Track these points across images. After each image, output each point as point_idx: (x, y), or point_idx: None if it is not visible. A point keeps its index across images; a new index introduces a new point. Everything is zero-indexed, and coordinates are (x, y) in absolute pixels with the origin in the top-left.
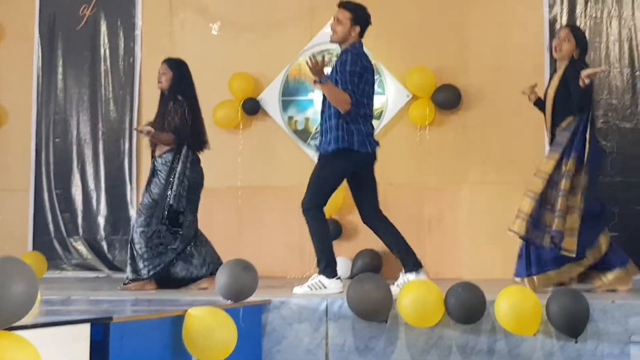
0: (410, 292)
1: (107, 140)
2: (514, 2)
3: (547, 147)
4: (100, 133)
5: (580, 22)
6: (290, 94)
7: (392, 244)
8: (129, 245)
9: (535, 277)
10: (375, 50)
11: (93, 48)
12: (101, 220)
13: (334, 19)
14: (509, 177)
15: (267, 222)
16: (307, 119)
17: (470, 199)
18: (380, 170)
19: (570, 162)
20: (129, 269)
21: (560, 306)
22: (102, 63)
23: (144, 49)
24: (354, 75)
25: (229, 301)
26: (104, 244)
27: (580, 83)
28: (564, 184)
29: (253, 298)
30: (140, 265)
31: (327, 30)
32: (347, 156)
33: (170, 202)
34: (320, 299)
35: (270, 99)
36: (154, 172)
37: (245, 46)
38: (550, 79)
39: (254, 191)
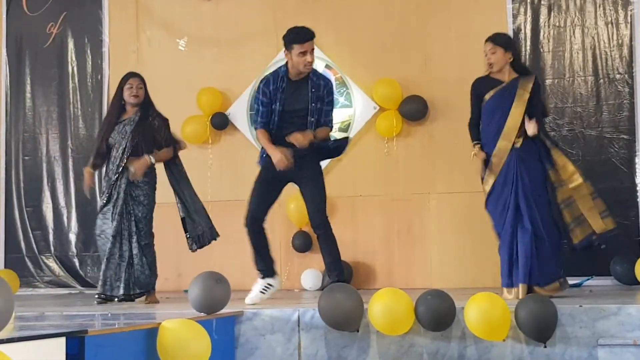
0: (380, 301)
1: (77, 158)
2: (477, 13)
3: None
4: (69, 150)
5: (544, 31)
6: None
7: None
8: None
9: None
10: (341, 63)
11: (60, 66)
12: (72, 237)
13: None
14: (476, 187)
15: (238, 235)
16: None
17: (438, 208)
18: (349, 181)
19: None
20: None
21: (528, 312)
22: (70, 80)
23: (111, 65)
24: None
25: (202, 313)
26: (76, 261)
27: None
28: None
29: (226, 310)
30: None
31: None
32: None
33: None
34: (292, 310)
35: (238, 113)
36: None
37: (212, 61)
38: (488, 87)
39: (224, 205)
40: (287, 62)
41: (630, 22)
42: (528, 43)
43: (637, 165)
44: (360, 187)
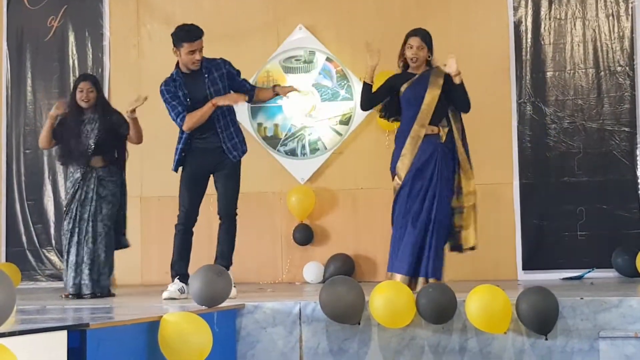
0: (381, 293)
1: None
2: (477, 6)
3: (514, 149)
4: None
5: (545, 23)
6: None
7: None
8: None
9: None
10: (342, 57)
11: (61, 59)
12: None
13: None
14: (476, 179)
15: (239, 228)
16: (276, 125)
17: None
18: (350, 174)
19: None
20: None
21: (530, 304)
22: (71, 74)
23: (112, 59)
24: None
25: (203, 306)
26: None
27: (457, 80)
28: None
29: (227, 303)
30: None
31: (294, 38)
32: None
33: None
34: (293, 303)
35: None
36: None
37: (212, 55)
38: (403, 81)
39: None
40: (177, 62)
41: (631, 14)
42: (529, 35)
43: (638, 158)
44: (361, 180)
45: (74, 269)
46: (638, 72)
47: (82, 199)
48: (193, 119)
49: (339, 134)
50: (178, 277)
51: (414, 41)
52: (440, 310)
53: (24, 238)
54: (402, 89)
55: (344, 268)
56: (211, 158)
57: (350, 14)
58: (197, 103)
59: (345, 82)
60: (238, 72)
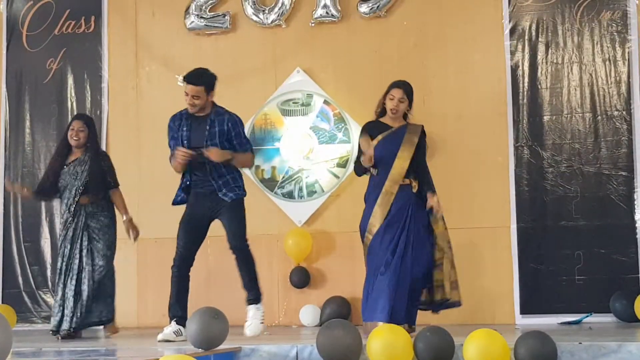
0: (379, 337)
1: None
2: (474, 50)
3: (512, 192)
4: None
5: (541, 68)
6: (256, 143)
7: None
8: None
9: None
10: (340, 99)
11: (60, 101)
12: None
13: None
14: (472, 223)
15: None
16: (273, 168)
17: None
18: (347, 217)
19: None
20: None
21: (528, 349)
22: (69, 116)
23: (110, 101)
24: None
25: (200, 349)
26: None
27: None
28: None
29: (224, 346)
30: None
31: (292, 80)
32: None
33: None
34: (290, 346)
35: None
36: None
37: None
38: (377, 132)
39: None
40: None
41: (628, 59)
42: (526, 79)
43: (635, 202)
44: (358, 222)
45: (58, 305)
46: (635, 117)
47: (71, 237)
48: (173, 163)
49: (336, 176)
50: (175, 319)
51: (397, 93)
52: (438, 354)
53: (20, 279)
54: (375, 141)
55: (341, 311)
56: (209, 202)
57: (348, 57)
58: (194, 148)
59: (342, 125)
60: (240, 131)
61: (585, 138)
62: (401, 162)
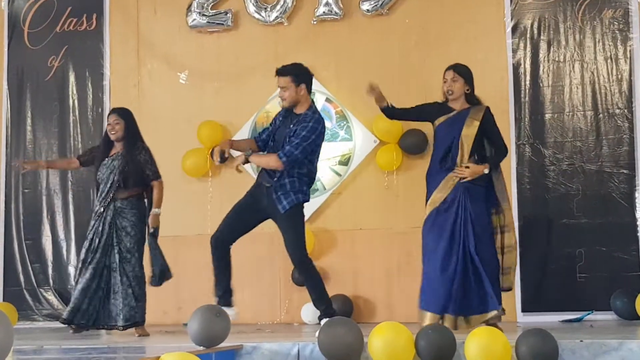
0: (380, 335)
1: (77, 191)
2: (476, 48)
3: (513, 190)
4: (69, 183)
5: (543, 66)
6: None
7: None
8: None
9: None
10: (342, 97)
11: (61, 99)
12: (72, 271)
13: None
14: None
15: (237, 269)
16: None
17: None
18: (349, 214)
19: None
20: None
21: (529, 346)
22: (71, 113)
23: (112, 99)
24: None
25: (202, 347)
26: None
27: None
28: None
29: (225, 344)
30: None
31: None
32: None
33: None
34: (292, 344)
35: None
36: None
37: (212, 95)
38: (440, 114)
39: None
40: None
41: (630, 57)
42: (527, 77)
43: (637, 200)
44: (361, 220)
45: (77, 295)
46: (636, 115)
47: (99, 231)
48: (254, 160)
49: (338, 174)
50: (218, 300)
51: (448, 74)
52: (440, 352)
53: (21, 277)
54: (437, 122)
55: (343, 309)
56: (266, 200)
57: (350, 55)
58: (277, 144)
59: (344, 122)
60: (299, 131)
61: (587, 136)
62: (463, 143)
